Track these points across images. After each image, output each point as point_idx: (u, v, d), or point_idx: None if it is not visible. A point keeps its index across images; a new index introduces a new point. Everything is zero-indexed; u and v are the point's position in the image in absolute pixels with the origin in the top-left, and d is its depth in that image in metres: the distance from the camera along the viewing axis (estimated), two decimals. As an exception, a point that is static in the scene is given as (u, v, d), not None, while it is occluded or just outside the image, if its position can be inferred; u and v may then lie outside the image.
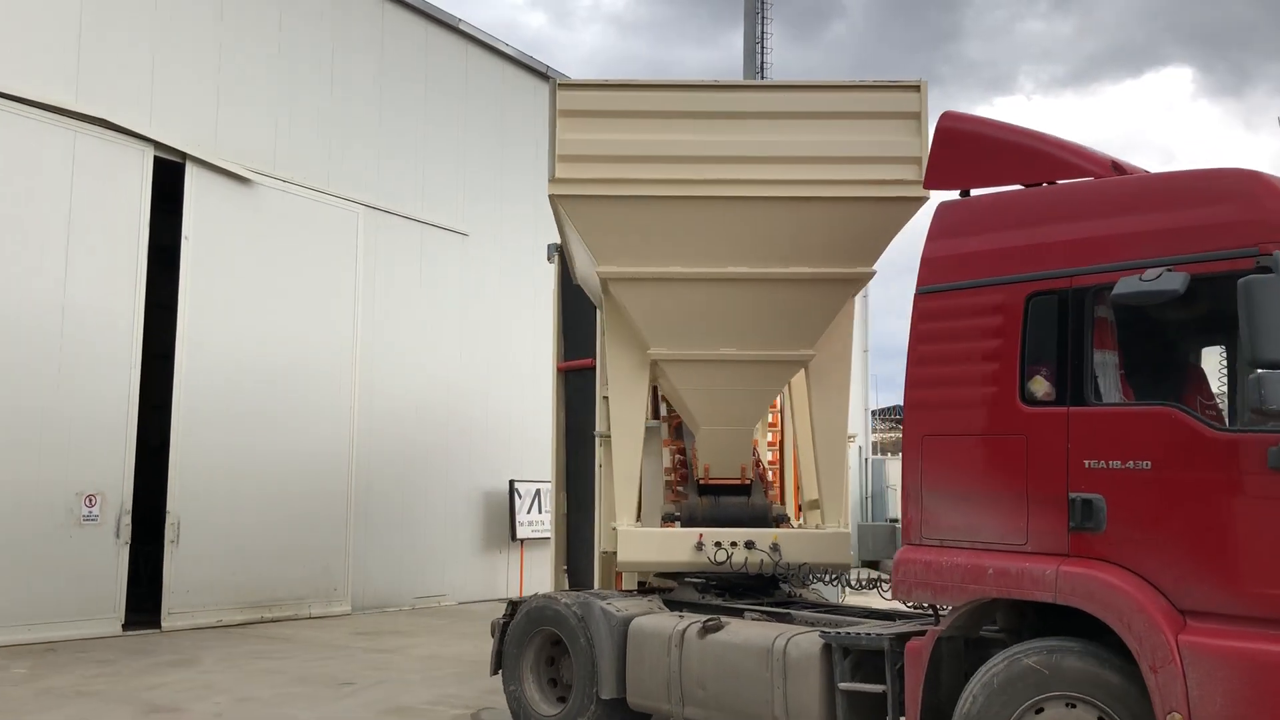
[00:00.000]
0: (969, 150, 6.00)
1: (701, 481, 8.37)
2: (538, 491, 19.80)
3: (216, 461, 15.11)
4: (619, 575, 10.06)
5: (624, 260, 7.58)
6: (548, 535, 19.71)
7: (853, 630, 6.22)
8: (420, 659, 12.19)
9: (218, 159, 15.36)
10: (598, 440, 9.07)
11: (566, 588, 11.12)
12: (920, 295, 5.95)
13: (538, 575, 20.01)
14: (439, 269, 18.89)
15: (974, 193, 6.00)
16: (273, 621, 15.42)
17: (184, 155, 15.00)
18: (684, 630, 6.97)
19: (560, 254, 11.58)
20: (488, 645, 13.23)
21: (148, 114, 14.63)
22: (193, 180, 15.15)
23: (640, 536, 7.99)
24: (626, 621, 7.42)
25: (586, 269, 8.66)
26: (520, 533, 19.32)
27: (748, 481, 8.44)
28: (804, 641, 6.35)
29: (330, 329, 16.91)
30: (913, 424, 5.93)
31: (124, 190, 14.36)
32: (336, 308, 17.04)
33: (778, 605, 7.69)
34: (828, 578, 7.81)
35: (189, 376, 14.95)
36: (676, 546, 7.81)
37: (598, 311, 10.70)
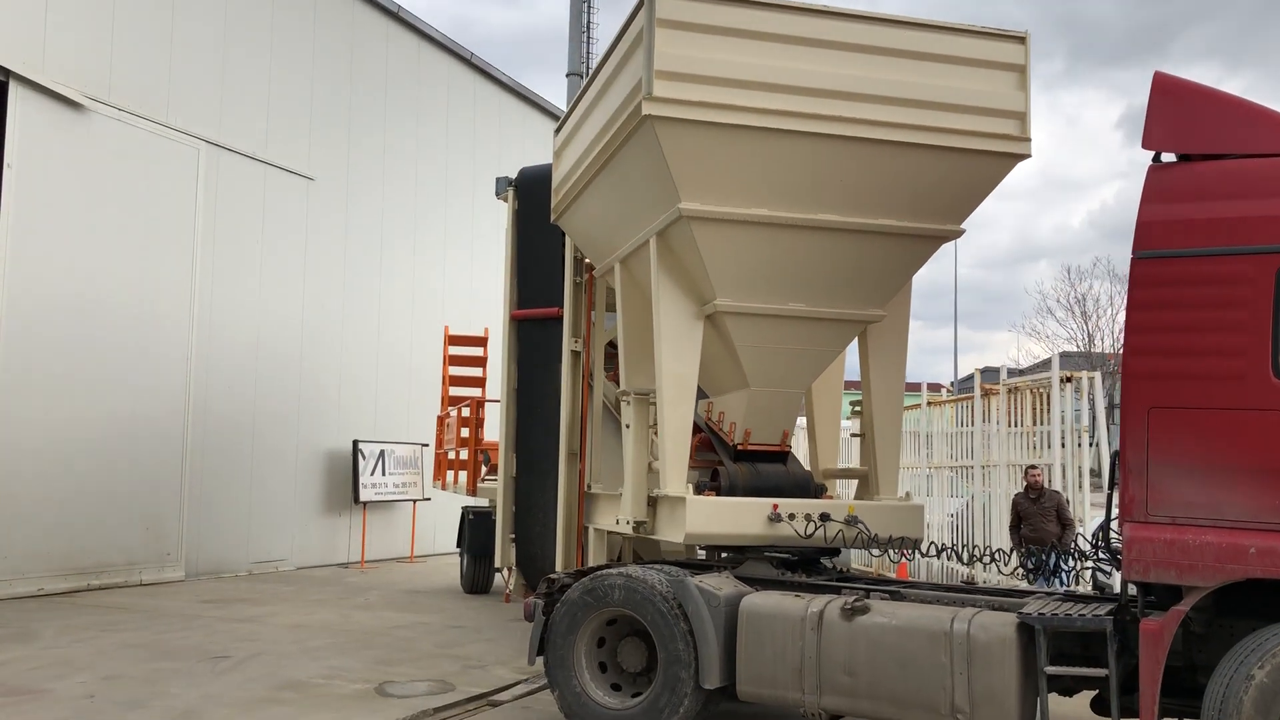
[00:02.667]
0: (1192, 113, 5.78)
1: (740, 447, 7.86)
2: (382, 452, 19.02)
3: (35, 416, 13.67)
4: (580, 546, 9.59)
5: (709, 197, 6.97)
6: (393, 498, 19.10)
7: (1053, 611, 5.86)
8: (286, 628, 11.41)
9: (46, 79, 13.78)
10: (625, 400, 8.27)
11: (514, 558, 10.52)
12: (1139, 260, 5.71)
13: (381, 540, 19.29)
14: (283, 214, 17.70)
15: (1164, 158, 5.82)
16: (101, 589, 14.16)
17: (7, 72, 13.39)
18: (821, 612, 6.31)
19: (515, 190, 10.77)
20: (350, 613, 12.76)
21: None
22: (17, 101, 13.55)
23: (710, 506, 7.26)
24: (733, 602, 6.67)
25: (620, 207, 7.94)
26: (363, 495, 18.47)
27: (787, 448, 8.05)
28: (993, 623, 5.85)
29: (167, 274, 15.56)
30: (1136, 395, 5.66)
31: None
32: (174, 251, 15.69)
33: (869, 583, 7.19)
34: (908, 551, 7.42)
35: (7, 321, 13.43)
36: (750, 518, 7.23)
37: (566, 257, 10.03)
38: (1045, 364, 47.08)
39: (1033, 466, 11.05)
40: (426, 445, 20.00)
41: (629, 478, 7.96)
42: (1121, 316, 44.66)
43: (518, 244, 10.68)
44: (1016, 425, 13.38)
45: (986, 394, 13.87)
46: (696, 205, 7.03)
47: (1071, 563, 6.77)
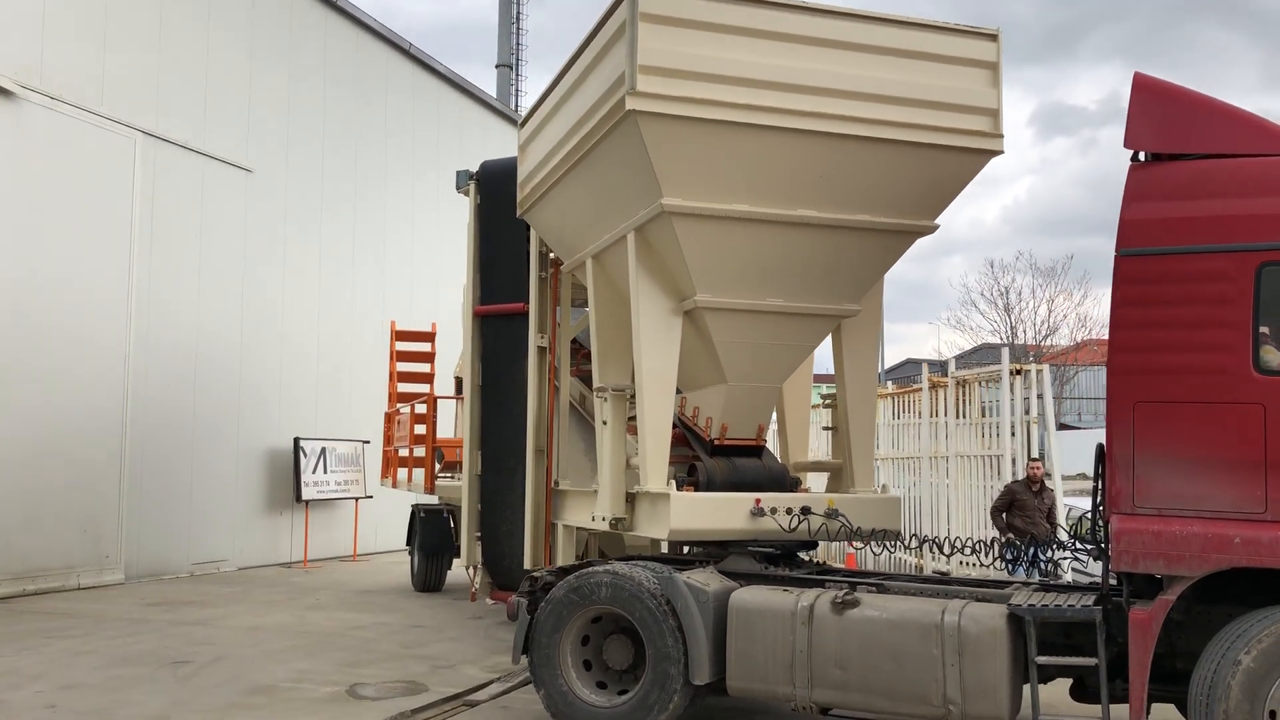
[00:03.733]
0: (1172, 113, 5.91)
1: (716, 442, 7.83)
2: (323, 450, 18.70)
3: (-31, 415, 13.18)
4: (548, 545, 9.49)
5: (691, 193, 6.93)
6: (335, 496, 18.79)
7: (1042, 602, 5.94)
8: (241, 631, 11.16)
9: (-24, 65, 13.27)
10: (601, 397, 8.17)
11: (479, 557, 10.36)
12: (1123, 258, 5.82)
13: (323, 539, 18.99)
14: (221, 207, 17.28)
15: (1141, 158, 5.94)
16: (37, 594, 13.70)
17: (-66, 58, 12.87)
18: (812, 606, 6.34)
19: (476, 184, 10.58)
20: (304, 614, 12.51)
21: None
22: (-55, 88, 13.02)
23: (694, 502, 7.23)
24: (722, 597, 6.66)
25: (596, 202, 7.87)
26: (305, 494, 18.14)
27: (762, 443, 8.05)
28: (982, 615, 5.91)
29: (102, 267, 15.10)
30: (1121, 389, 5.79)
31: None
32: (110, 244, 15.22)
33: (850, 575, 7.20)
34: (890, 544, 7.45)
35: (-62, 316, 12.92)
36: (732, 513, 7.22)
37: (531, 252, 9.88)
38: (970, 354, 47.99)
39: (1035, 459, 11.16)
40: (368, 442, 19.72)
41: (606, 474, 7.93)
42: (1042, 310, 45.63)
43: (480, 239, 10.54)
44: (964, 417, 13.63)
45: (934, 386, 14.11)
46: (678, 201, 7.02)
47: (1051, 553, 6.92)
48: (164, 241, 16.10)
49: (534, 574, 7.47)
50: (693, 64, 6.78)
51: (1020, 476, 11.50)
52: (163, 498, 15.98)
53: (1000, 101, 7.36)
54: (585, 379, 10.82)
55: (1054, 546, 6.86)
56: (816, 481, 10.05)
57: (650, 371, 7.50)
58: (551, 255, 10.01)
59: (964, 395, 13.43)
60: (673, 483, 7.30)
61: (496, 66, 54.63)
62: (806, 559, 7.97)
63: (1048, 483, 11.07)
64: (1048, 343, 49.51)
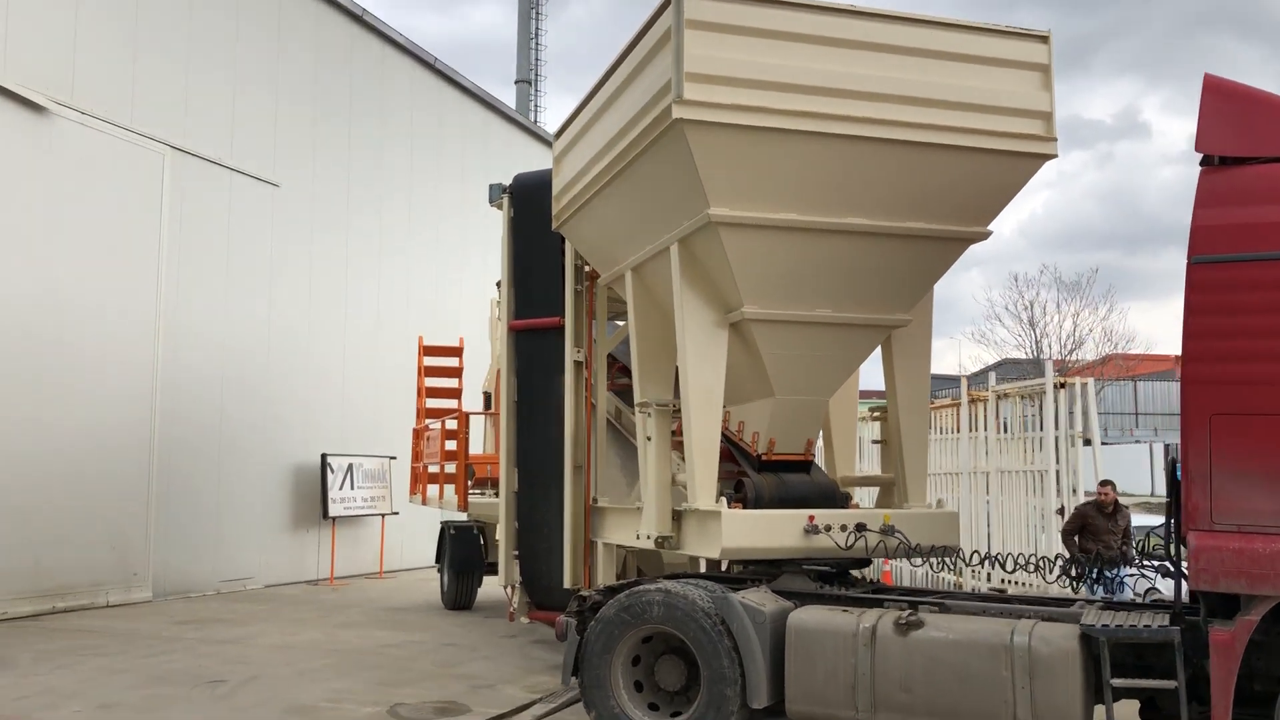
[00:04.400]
0: (1244, 115, 5.74)
1: (764, 457, 7.65)
2: (350, 466, 18.58)
3: (-2, 430, 13.11)
4: (587, 563, 9.32)
5: (738, 202, 6.77)
6: (362, 513, 18.66)
7: (1115, 622, 5.75)
8: (272, 650, 11.02)
9: (8, 80, 13.25)
10: (645, 412, 7.97)
11: (518, 575, 10.18)
12: (1195, 265, 5.65)
13: (348, 556, 18.86)
14: (248, 221, 17.23)
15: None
16: (66, 612, 13.60)
17: (-33, 74, 12.86)
18: (873, 627, 6.14)
19: (509, 197, 10.44)
20: (335, 632, 12.35)
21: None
22: (-23, 104, 13.01)
23: (746, 520, 7.04)
24: (779, 618, 6.48)
25: (637, 213, 7.73)
26: (332, 510, 18.01)
27: (811, 457, 7.86)
28: (1053, 635, 5.73)
29: (132, 283, 15.05)
30: (1196, 401, 5.60)
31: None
32: (139, 259, 15.17)
33: (906, 594, 7.05)
34: (949, 560, 7.26)
35: (-32, 332, 12.87)
36: (785, 530, 7.02)
37: (566, 265, 9.76)
38: (993, 368, 47.59)
39: (1106, 482, 10.86)
40: (394, 458, 19.60)
41: (651, 491, 7.76)
42: (1067, 324, 45.37)
43: (514, 252, 10.41)
44: (1005, 432, 13.42)
45: (974, 400, 13.90)
46: (725, 210, 6.86)
47: (1117, 571, 6.72)
48: (192, 257, 16.05)
49: (582, 593, 7.30)
50: (739, 70, 6.63)
51: (1083, 494, 11.25)
52: (190, 515, 15.89)
53: (1053, 104, 7.19)
54: (619, 393, 10.66)
55: (1124, 564, 6.65)
56: (863, 496, 9.87)
57: (697, 386, 7.33)
58: (587, 268, 9.87)
59: (1004, 410, 13.22)
60: (723, 500, 7.12)
61: (516, 82, 54.82)
62: (858, 577, 7.78)
63: (1123, 506, 10.79)
64: (1073, 357, 49.14)
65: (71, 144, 14.15)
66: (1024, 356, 48.70)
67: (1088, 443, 12.32)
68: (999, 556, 7.13)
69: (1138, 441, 38.38)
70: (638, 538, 8.00)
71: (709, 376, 7.35)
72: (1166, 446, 48.10)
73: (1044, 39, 7.21)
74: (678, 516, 7.72)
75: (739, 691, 6.41)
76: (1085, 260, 77.67)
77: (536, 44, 56.51)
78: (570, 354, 9.65)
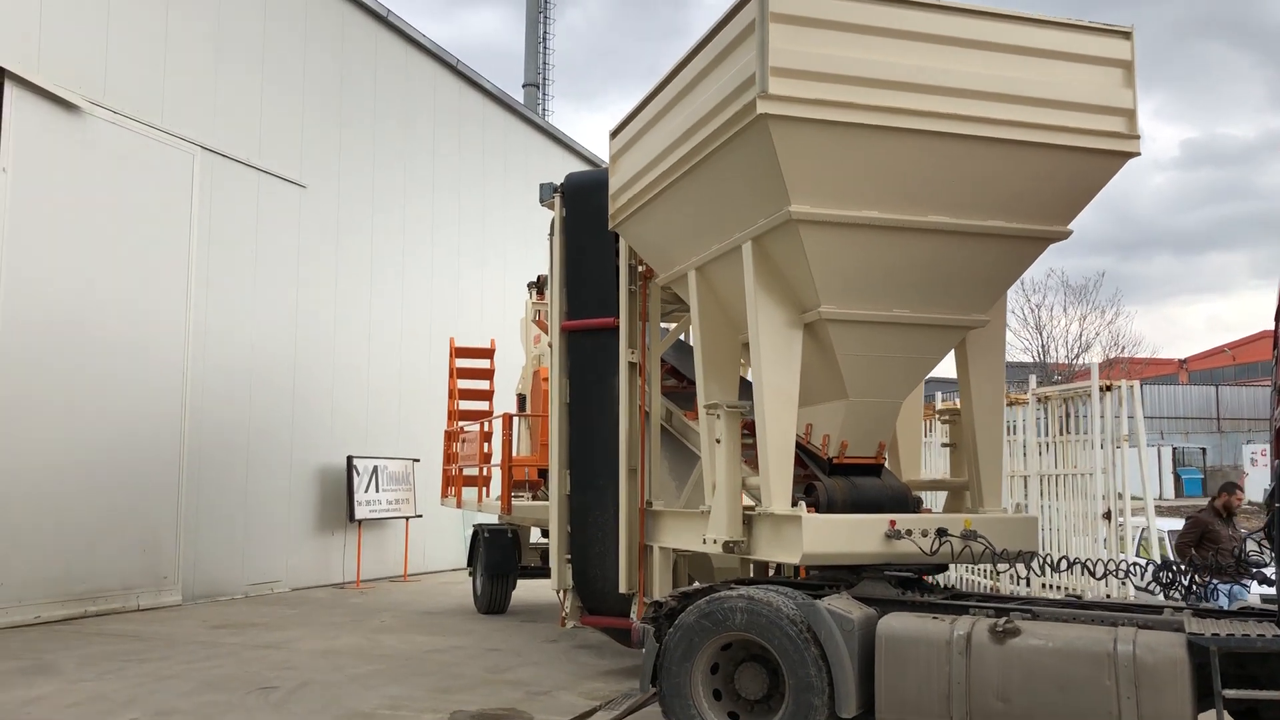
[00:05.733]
0: None
1: (836, 460, 7.52)
2: (375, 469, 18.47)
3: (28, 433, 12.98)
4: (642, 567, 9.20)
5: (819, 199, 6.64)
6: (387, 515, 18.54)
7: (1226, 631, 5.62)
8: (317, 655, 10.89)
9: (43, 79, 13.13)
10: (714, 414, 7.81)
11: (570, 581, 10.06)
12: None
13: (373, 559, 18.74)
14: (276, 223, 17.12)
15: None
16: (98, 615, 13.48)
17: (2, 72, 12.72)
18: (968, 635, 5.97)
19: (562, 197, 10.32)
20: (375, 637, 12.21)
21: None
22: (13, 102, 12.88)
23: (827, 525, 6.88)
24: (867, 625, 6.35)
25: (706, 211, 7.62)
26: (358, 513, 17.89)
27: (882, 461, 7.74)
28: (1159, 644, 5.59)
29: (163, 284, 14.94)
30: None
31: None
32: (170, 260, 15.07)
33: (990, 600, 6.94)
34: (1034, 566, 7.11)
35: (3, 335, 12.73)
36: (867, 535, 6.89)
37: (621, 265, 9.68)
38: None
39: (1232, 486, 10.57)
40: (418, 460, 19.49)
41: (722, 494, 7.63)
42: (1074, 327, 45.19)
43: (566, 252, 10.28)
44: (1045, 434, 13.29)
45: (1013, 403, 13.76)
46: (806, 208, 6.74)
47: (1212, 580, 6.60)
48: (221, 257, 15.94)
49: (658, 599, 7.18)
50: (823, 65, 6.51)
51: (1129, 498, 11.07)
52: (218, 519, 15.77)
53: (1135, 101, 7.09)
54: (668, 396, 10.54)
55: (1240, 572, 6.52)
56: (930, 500, 9.76)
57: (772, 387, 7.21)
58: (640, 268, 9.77)
59: (1047, 413, 13.10)
60: (802, 504, 7.01)
61: (524, 85, 54.74)
62: (932, 583, 7.66)
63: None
64: (1079, 360, 49.01)
65: (104, 143, 14.05)
66: (1030, 360, 48.66)
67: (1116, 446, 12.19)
68: (1087, 562, 7.01)
69: (1147, 445, 38.25)
70: (704, 542, 7.86)
71: (784, 378, 7.22)
72: (1174, 450, 48.16)
73: (1127, 35, 7.10)
74: (747, 521, 7.59)
75: (826, 701, 6.28)
76: (1080, 266, 77.60)
77: (544, 47, 56.40)
78: (625, 355, 9.54)
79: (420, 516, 19.40)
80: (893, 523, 6.93)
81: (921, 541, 6.88)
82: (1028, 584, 12.49)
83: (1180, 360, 66.86)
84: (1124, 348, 50.25)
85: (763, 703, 6.72)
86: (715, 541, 7.68)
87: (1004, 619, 6.03)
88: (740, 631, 6.63)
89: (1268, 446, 34.90)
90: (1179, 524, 16.31)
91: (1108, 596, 10.20)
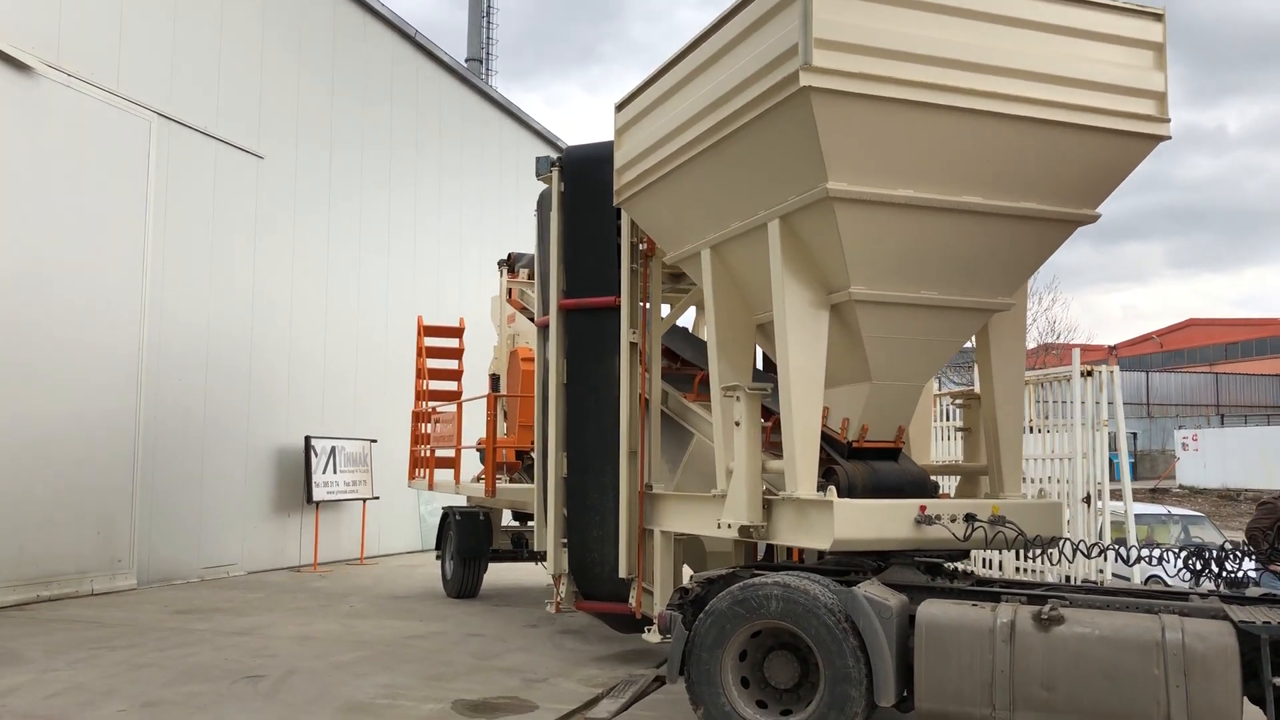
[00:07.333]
0: None
1: (856, 444, 7.37)
2: (333, 449, 18.00)
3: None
4: (641, 552, 9.00)
5: (856, 177, 6.46)
6: (344, 497, 18.09)
7: (1264, 619, 5.55)
8: (293, 642, 10.52)
9: (-5, 38, 12.47)
10: (732, 396, 7.58)
11: (566, 565, 9.79)
12: None
13: (329, 541, 18.32)
14: (233, 194, 16.53)
15: None
16: (51, 600, 12.93)
17: (-48, 28, 12.05)
18: (1011, 622, 5.89)
19: (561, 171, 9.99)
20: (349, 622, 11.84)
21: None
22: (-37, 61, 12.20)
23: (858, 510, 6.71)
24: (903, 612, 6.25)
25: (729, 187, 7.38)
26: (316, 494, 17.43)
27: (901, 445, 7.59)
28: (1209, 632, 5.49)
29: (117, 255, 14.33)
30: None
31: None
32: (125, 230, 14.45)
33: (1019, 586, 6.86)
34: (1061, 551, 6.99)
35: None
36: (897, 520, 6.73)
37: (623, 243, 9.43)
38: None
39: None
40: (375, 441, 19.06)
41: (742, 478, 7.45)
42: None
43: (564, 229, 9.98)
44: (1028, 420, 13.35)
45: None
46: (844, 185, 6.56)
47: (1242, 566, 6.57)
48: (177, 228, 15.34)
49: (683, 586, 7.00)
50: (865, 38, 6.31)
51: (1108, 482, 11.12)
52: (175, 499, 15.22)
53: (1166, 84, 7.03)
54: (663, 377, 10.33)
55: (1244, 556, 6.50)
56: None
57: (798, 369, 7.03)
58: (642, 247, 9.53)
59: (1026, 399, 13.15)
60: (831, 488, 6.86)
61: (466, 60, 53.84)
62: (951, 569, 7.57)
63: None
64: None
65: (60, 106, 13.40)
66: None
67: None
68: (1119, 547, 6.95)
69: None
70: (719, 526, 7.69)
71: (810, 360, 7.05)
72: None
73: (1159, 17, 7.03)
74: (767, 505, 7.43)
75: (864, 692, 6.15)
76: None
77: (488, 22, 55.64)
78: (626, 335, 9.31)
79: (378, 498, 18.98)
80: (923, 508, 6.82)
81: (953, 527, 6.77)
82: (1000, 567, 12.57)
83: (1110, 347, 68.41)
84: (1059, 334, 51.26)
85: (792, 691, 6.58)
86: (731, 526, 7.51)
87: (1048, 606, 5.94)
88: (774, 619, 6.47)
89: (1197, 432, 35.64)
90: (1145, 508, 16.59)
91: (1099, 579, 10.25)
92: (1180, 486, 40.72)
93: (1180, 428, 45.85)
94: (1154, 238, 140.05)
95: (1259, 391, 63.84)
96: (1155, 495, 36.02)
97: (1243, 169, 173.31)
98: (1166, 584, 11.93)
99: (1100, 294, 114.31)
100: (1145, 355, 72.55)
